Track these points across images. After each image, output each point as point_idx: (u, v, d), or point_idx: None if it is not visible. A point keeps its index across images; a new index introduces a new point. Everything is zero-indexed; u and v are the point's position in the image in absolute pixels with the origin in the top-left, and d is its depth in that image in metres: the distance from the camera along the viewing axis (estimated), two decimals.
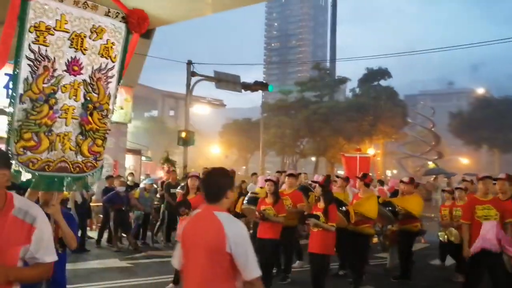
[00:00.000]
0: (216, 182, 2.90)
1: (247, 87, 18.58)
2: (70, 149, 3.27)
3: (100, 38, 3.32)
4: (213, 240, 2.67)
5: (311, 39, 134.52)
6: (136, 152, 22.23)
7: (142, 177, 18.44)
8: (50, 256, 2.35)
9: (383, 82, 48.95)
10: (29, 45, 2.95)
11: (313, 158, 52.30)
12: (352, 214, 6.86)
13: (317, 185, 7.12)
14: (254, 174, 14.17)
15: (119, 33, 3.44)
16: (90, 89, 3.31)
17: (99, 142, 3.42)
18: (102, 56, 3.35)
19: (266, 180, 7.24)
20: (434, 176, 27.48)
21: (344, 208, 6.81)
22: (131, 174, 13.89)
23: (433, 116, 54.39)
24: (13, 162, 2.90)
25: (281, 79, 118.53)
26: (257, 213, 7.02)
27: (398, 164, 55.38)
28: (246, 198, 7.94)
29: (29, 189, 3.24)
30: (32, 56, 2.97)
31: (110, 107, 3.48)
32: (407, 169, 51.98)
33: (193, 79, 17.52)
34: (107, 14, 3.35)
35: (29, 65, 2.96)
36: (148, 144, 37.28)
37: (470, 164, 53.66)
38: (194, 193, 6.75)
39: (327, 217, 6.17)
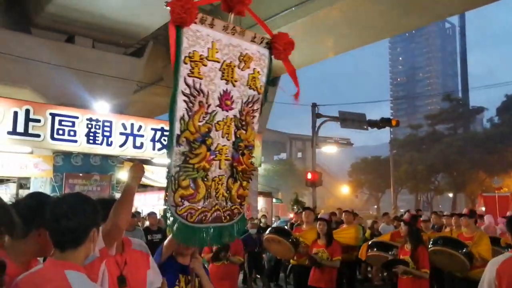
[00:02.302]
0: None
1: (373, 124, 18.26)
2: (223, 195, 2.92)
3: (248, 67, 3.00)
4: None
5: (439, 70, 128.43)
6: (267, 195, 22.86)
7: (273, 219, 18.87)
8: (160, 277, 2.83)
9: None
10: (185, 78, 2.66)
11: (450, 194, 48.74)
12: (477, 256, 5.85)
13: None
14: (386, 214, 13.65)
15: (263, 61, 3.09)
16: (240, 125, 2.98)
17: (245, 184, 3.07)
18: (250, 87, 3.02)
19: (317, 219, 6.68)
20: None
21: (465, 250, 5.77)
22: (264, 216, 14.28)
23: None
24: (170, 214, 2.67)
25: (409, 113, 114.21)
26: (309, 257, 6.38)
27: None
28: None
29: (170, 238, 3.08)
30: (187, 90, 2.68)
31: (254, 143, 3.14)
32: None
33: (319, 121, 17.77)
34: (253, 40, 3.00)
35: (185, 101, 2.67)
36: (279, 186, 38.13)
37: None
38: None
39: (417, 262, 5.42)
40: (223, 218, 2.93)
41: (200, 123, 2.73)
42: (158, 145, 13.70)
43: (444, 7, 14.36)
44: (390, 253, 6.44)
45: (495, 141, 40.86)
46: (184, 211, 2.69)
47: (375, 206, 54.66)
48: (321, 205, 28.02)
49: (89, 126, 12.64)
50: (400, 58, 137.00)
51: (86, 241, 1.88)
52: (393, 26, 15.96)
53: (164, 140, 13.73)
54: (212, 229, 2.86)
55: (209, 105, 2.78)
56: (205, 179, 2.78)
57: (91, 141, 12.68)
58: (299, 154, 64.07)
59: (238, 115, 2.96)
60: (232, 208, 3.00)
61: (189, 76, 2.67)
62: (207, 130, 2.77)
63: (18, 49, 12.90)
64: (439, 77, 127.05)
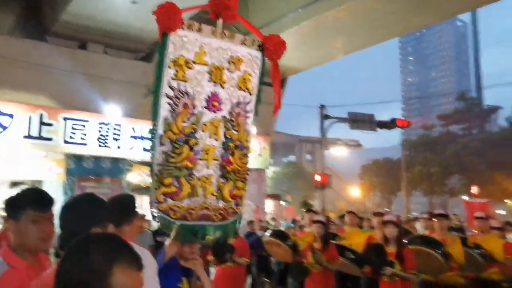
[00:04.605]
0: None
1: (383, 125, 18.23)
2: (212, 194, 2.97)
3: (238, 70, 3.05)
4: None
5: (453, 69, 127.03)
6: (276, 197, 22.88)
7: (282, 221, 18.90)
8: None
9: None
10: (168, 81, 2.75)
11: (466, 197, 48.16)
12: (455, 257, 5.55)
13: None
14: (397, 216, 13.62)
15: (255, 63, 3.13)
16: (230, 126, 3.03)
17: (240, 184, 3.10)
18: (240, 89, 3.06)
19: (314, 222, 6.28)
20: None
21: (441, 250, 5.41)
22: (274, 219, 14.32)
23: None
24: (154, 210, 2.77)
25: (422, 113, 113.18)
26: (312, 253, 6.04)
27: None
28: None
29: (169, 240, 2.98)
30: (171, 93, 2.77)
31: (249, 144, 3.18)
32: None
33: (327, 122, 17.79)
34: (243, 43, 3.07)
35: (168, 103, 2.77)
36: (288, 189, 38.05)
37: None
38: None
39: (402, 263, 5.13)
40: (214, 217, 2.97)
41: (185, 124, 2.81)
42: None
43: (454, 4, 14.23)
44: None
45: None
46: (166, 207, 2.78)
47: (388, 210, 54.20)
48: (333, 208, 27.94)
49: (100, 129, 12.83)
50: (411, 58, 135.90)
51: None
52: (404, 26, 15.86)
53: None
54: (198, 228, 2.90)
55: (194, 107, 2.86)
56: (190, 178, 2.85)
57: (101, 144, 12.87)
58: (309, 157, 63.76)
59: (227, 116, 3.02)
60: (226, 207, 3.04)
61: (173, 79, 2.76)
62: (192, 130, 2.84)
63: (34, 57, 13.21)
64: (453, 76, 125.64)
